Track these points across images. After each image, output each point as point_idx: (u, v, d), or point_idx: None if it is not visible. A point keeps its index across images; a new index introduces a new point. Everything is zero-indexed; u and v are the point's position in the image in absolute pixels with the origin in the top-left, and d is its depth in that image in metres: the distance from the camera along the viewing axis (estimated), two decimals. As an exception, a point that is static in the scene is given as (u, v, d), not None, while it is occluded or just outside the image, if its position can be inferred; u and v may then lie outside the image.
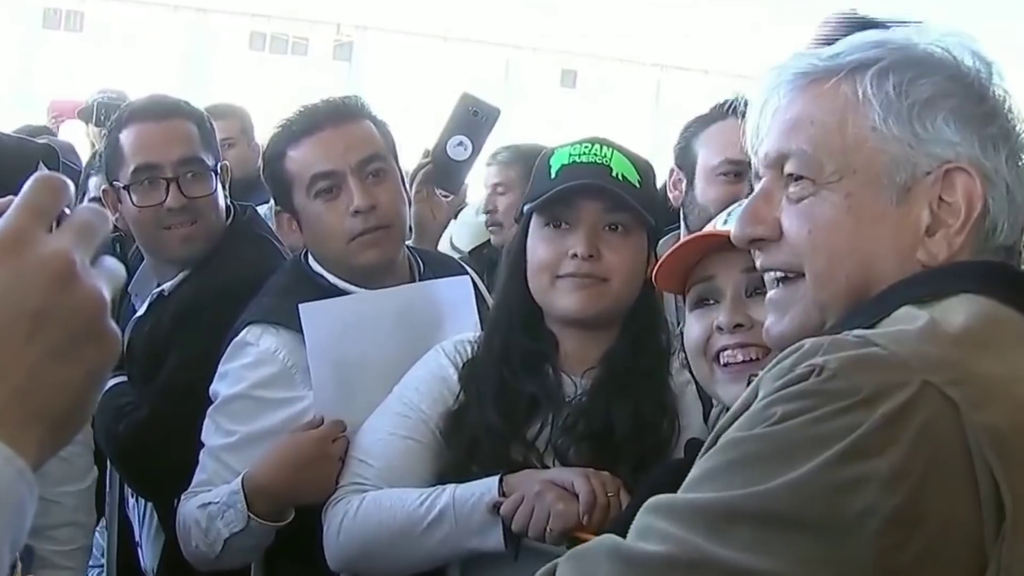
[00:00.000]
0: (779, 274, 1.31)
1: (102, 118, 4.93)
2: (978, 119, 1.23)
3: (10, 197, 0.84)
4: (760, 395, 1.10)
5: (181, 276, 2.71)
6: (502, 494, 1.95)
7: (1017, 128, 1.26)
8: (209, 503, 2.25)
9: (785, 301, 1.30)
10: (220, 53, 28.27)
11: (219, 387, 2.41)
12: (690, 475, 1.11)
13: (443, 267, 2.66)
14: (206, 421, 2.40)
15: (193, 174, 2.64)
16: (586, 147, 2.11)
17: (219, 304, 2.54)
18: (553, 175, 2.11)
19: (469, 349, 2.20)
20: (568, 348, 2.14)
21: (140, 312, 2.81)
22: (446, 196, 2.89)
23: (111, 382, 2.72)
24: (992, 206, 1.22)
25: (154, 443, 2.55)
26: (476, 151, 2.76)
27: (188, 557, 2.35)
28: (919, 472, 1.01)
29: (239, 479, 2.22)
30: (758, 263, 1.34)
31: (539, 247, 2.11)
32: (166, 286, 2.72)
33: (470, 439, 2.10)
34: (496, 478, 1.97)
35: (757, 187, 1.33)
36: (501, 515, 1.93)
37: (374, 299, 2.42)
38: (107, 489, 2.98)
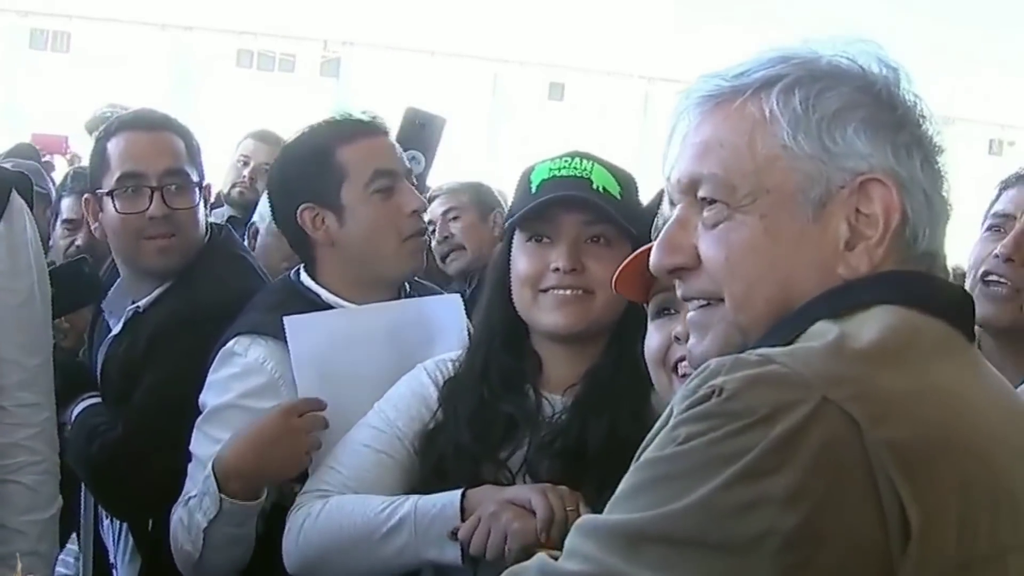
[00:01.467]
0: (700, 303, 1.29)
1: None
2: (889, 127, 1.21)
3: None
4: (672, 415, 1.09)
5: (157, 292, 2.68)
6: (463, 508, 1.93)
7: (929, 132, 1.24)
8: (190, 498, 2.25)
9: (705, 322, 1.28)
10: (207, 71, 28.34)
11: (206, 397, 2.40)
12: (615, 494, 1.11)
13: (427, 288, 2.66)
14: (194, 432, 2.38)
15: (177, 186, 2.63)
16: (566, 161, 2.11)
17: (195, 324, 2.52)
18: (534, 190, 2.09)
19: (451, 367, 2.18)
20: (551, 366, 2.12)
21: (115, 331, 2.77)
22: None
23: (84, 403, 2.69)
24: (911, 214, 1.20)
25: (128, 462, 2.52)
26: (429, 162, 2.79)
27: (179, 566, 2.32)
28: (819, 492, 1.00)
29: (210, 463, 2.21)
30: (679, 292, 1.31)
31: (521, 261, 2.09)
32: (141, 303, 2.70)
33: (441, 457, 2.09)
34: (458, 492, 1.95)
35: (672, 215, 1.30)
36: (459, 539, 1.90)
37: (362, 314, 2.41)
38: (81, 511, 2.94)
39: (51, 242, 3.70)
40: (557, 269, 2.03)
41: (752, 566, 1.00)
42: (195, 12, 27.92)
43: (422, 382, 2.18)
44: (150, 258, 2.63)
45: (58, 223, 3.68)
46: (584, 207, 2.05)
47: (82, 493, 2.91)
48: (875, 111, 1.21)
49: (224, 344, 2.38)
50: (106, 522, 2.91)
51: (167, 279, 2.66)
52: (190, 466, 2.34)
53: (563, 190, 2.06)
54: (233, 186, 4.63)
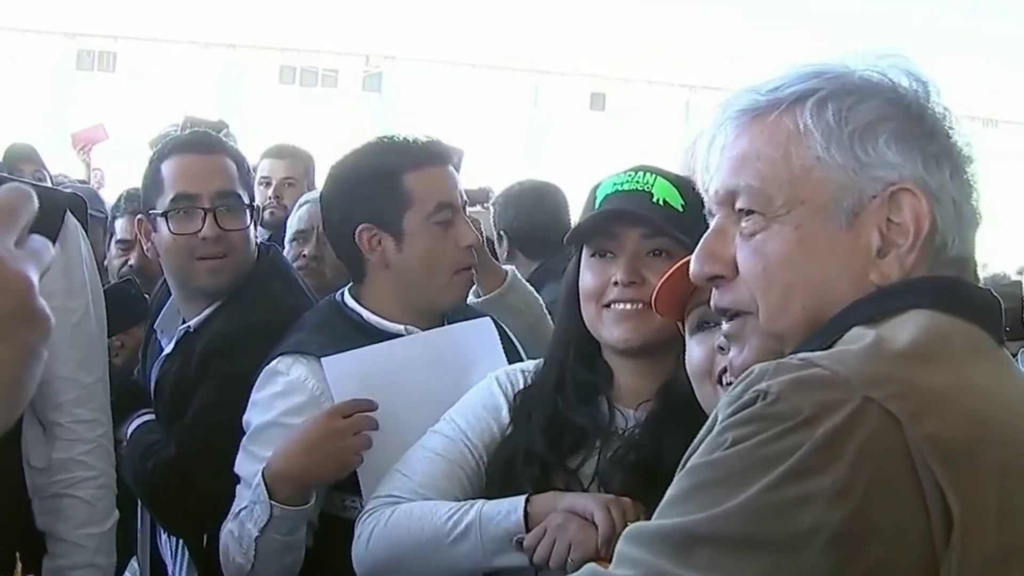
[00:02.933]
0: (732, 313, 1.34)
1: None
2: (919, 139, 1.25)
3: None
4: (718, 421, 1.13)
5: (208, 312, 2.73)
6: (527, 514, 1.98)
7: (958, 143, 1.27)
8: (240, 510, 2.30)
9: (740, 334, 1.33)
10: (251, 88, 28.51)
11: (250, 416, 2.45)
12: (663, 500, 1.15)
13: (464, 313, 2.69)
14: (239, 452, 2.43)
15: (229, 207, 2.71)
16: (629, 175, 2.15)
17: (247, 343, 2.57)
18: (597, 205, 2.15)
19: (522, 378, 2.23)
20: (623, 379, 2.17)
21: (167, 350, 2.83)
22: None
23: (139, 420, 2.74)
24: (940, 222, 1.24)
25: (182, 481, 2.57)
26: None
27: None
28: (863, 487, 1.04)
29: (260, 470, 2.27)
30: (712, 302, 1.36)
31: (586, 276, 2.15)
32: (192, 322, 2.75)
33: (511, 463, 2.14)
34: (522, 499, 2.00)
35: (711, 224, 1.35)
36: (524, 549, 1.94)
37: (399, 347, 2.46)
38: (138, 526, 2.99)
39: (106, 262, 3.77)
40: (617, 283, 2.08)
41: (803, 562, 1.03)
42: (238, 30, 28.11)
43: (493, 392, 2.23)
44: (202, 278, 2.69)
45: (112, 243, 3.74)
46: (643, 222, 2.08)
47: (139, 509, 2.96)
48: (905, 123, 1.25)
49: (268, 364, 2.42)
50: (163, 537, 2.96)
51: (218, 299, 2.71)
52: (238, 487, 2.38)
53: (623, 205, 2.10)
54: (262, 208, 4.65)
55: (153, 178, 2.77)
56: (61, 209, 2.34)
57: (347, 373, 2.38)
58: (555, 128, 29.67)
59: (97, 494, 2.43)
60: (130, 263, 3.65)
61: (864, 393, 1.07)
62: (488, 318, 2.63)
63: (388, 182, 2.48)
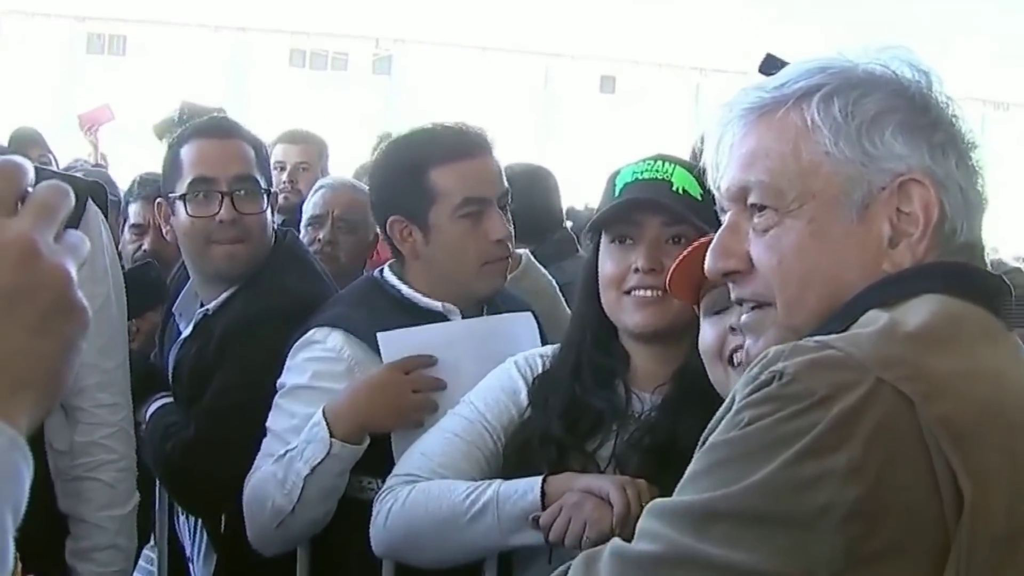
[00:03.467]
0: (752, 304, 1.36)
1: (184, 118, 5.02)
2: (924, 129, 1.27)
3: None
4: (735, 401, 1.16)
5: (225, 296, 2.76)
6: (544, 494, 2.01)
7: (962, 131, 1.30)
8: (286, 451, 2.35)
9: (757, 325, 1.35)
10: (261, 71, 28.49)
11: (285, 379, 2.51)
12: (683, 478, 1.18)
13: (504, 299, 2.73)
14: (272, 409, 2.48)
15: (246, 192, 2.75)
16: (649, 164, 2.18)
17: (265, 327, 2.61)
18: (617, 193, 2.18)
19: (540, 363, 2.26)
20: (640, 364, 2.20)
21: (185, 333, 2.85)
22: None
23: (158, 403, 2.77)
24: (949, 210, 1.27)
25: (202, 462, 2.60)
26: None
27: (258, 530, 2.38)
28: (877, 465, 1.06)
29: (319, 410, 2.32)
30: (732, 295, 1.39)
31: (606, 263, 2.18)
32: (210, 306, 2.78)
33: (527, 445, 2.18)
34: (538, 478, 2.04)
35: (724, 221, 1.38)
36: (540, 526, 1.97)
37: (450, 329, 2.50)
38: (156, 508, 3.02)
39: (119, 247, 3.79)
40: (638, 270, 2.12)
41: (817, 538, 1.06)
42: (248, 13, 28.08)
43: (512, 376, 2.27)
44: (219, 262, 2.72)
45: (126, 228, 3.77)
46: (663, 210, 2.11)
47: (156, 491, 2.99)
48: (910, 114, 1.27)
49: (303, 335, 2.48)
50: (182, 519, 3.00)
51: (235, 283, 2.73)
52: (265, 440, 2.42)
53: (643, 193, 2.13)
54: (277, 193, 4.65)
55: (172, 162, 2.81)
56: (82, 196, 2.36)
57: (400, 350, 2.43)
58: (565, 111, 29.62)
59: (118, 477, 2.47)
60: (144, 247, 3.67)
61: (877, 374, 1.10)
62: (530, 313, 2.66)
63: (414, 177, 2.51)
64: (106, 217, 2.51)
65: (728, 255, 1.36)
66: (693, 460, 1.19)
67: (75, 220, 2.27)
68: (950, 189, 1.27)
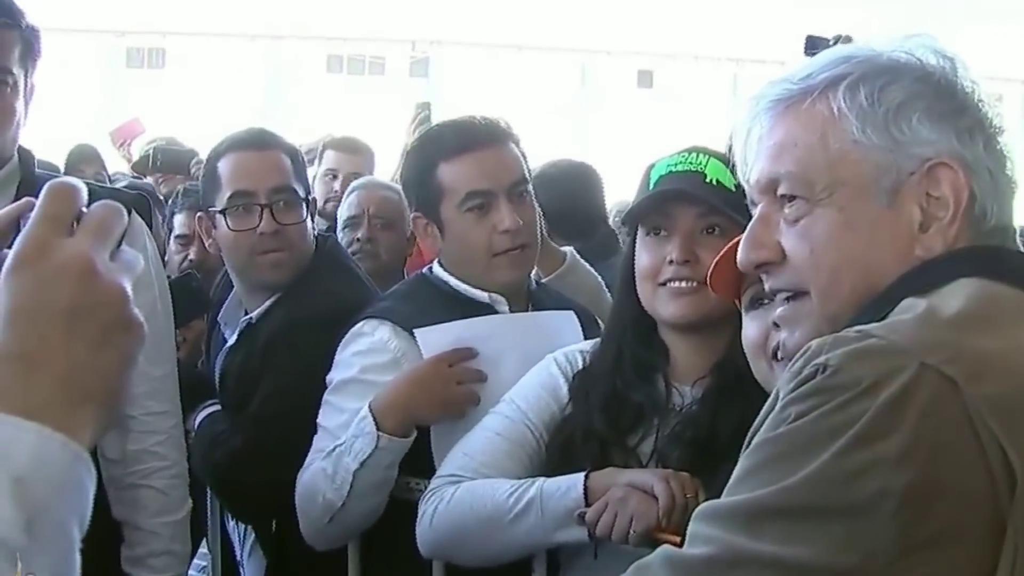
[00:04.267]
0: (787, 294, 1.37)
1: (158, 163, 5.14)
2: (951, 114, 1.28)
3: (24, 201, 0.94)
4: (780, 398, 1.16)
5: (268, 303, 2.79)
6: (587, 490, 2.01)
7: (989, 115, 1.30)
8: (336, 447, 2.37)
9: (794, 317, 1.37)
10: (299, 78, 28.66)
11: (333, 374, 2.53)
12: (731, 479, 1.18)
13: (549, 295, 2.74)
14: (322, 405, 2.51)
15: (285, 202, 2.77)
16: (683, 156, 2.19)
17: (308, 334, 2.64)
18: (651, 186, 2.19)
19: (580, 359, 2.27)
20: (679, 356, 2.20)
21: (231, 342, 2.89)
22: None
23: (206, 411, 2.81)
24: (979, 193, 1.27)
25: (249, 471, 2.63)
26: None
27: (311, 525, 2.43)
28: (927, 449, 1.06)
29: (366, 405, 2.35)
30: (766, 286, 1.40)
31: (642, 256, 2.18)
32: (254, 314, 2.81)
33: (570, 441, 2.18)
34: (581, 475, 2.04)
35: (755, 213, 1.38)
36: (586, 522, 1.97)
37: (488, 324, 2.51)
38: (208, 511, 3.06)
39: (166, 257, 3.84)
40: (672, 261, 2.12)
41: (872, 526, 1.06)
42: (284, 21, 28.25)
43: (552, 373, 2.28)
44: (263, 272, 2.75)
45: (171, 239, 3.82)
46: (696, 201, 2.11)
47: (208, 495, 3.02)
48: (936, 100, 1.28)
49: (352, 327, 2.52)
50: (231, 522, 3.03)
51: (279, 291, 2.76)
52: (316, 436, 2.45)
53: (677, 184, 2.14)
54: (327, 200, 4.67)
55: (211, 176, 2.84)
56: (126, 209, 2.39)
57: (438, 344, 2.45)
58: (603, 107, 29.59)
59: (171, 483, 2.49)
60: (190, 257, 3.71)
61: (921, 359, 1.10)
62: (571, 312, 2.66)
63: (425, 175, 2.56)
64: (151, 228, 2.54)
65: (760, 246, 1.37)
66: (740, 459, 1.19)
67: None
68: (979, 172, 1.27)
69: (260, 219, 2.74)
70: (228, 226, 2.76)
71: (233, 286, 2.97)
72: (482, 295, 2.53)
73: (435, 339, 2.46)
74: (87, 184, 0.97)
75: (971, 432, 1.07)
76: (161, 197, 4.62)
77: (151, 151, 5.23)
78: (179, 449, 2.53)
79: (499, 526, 2.09)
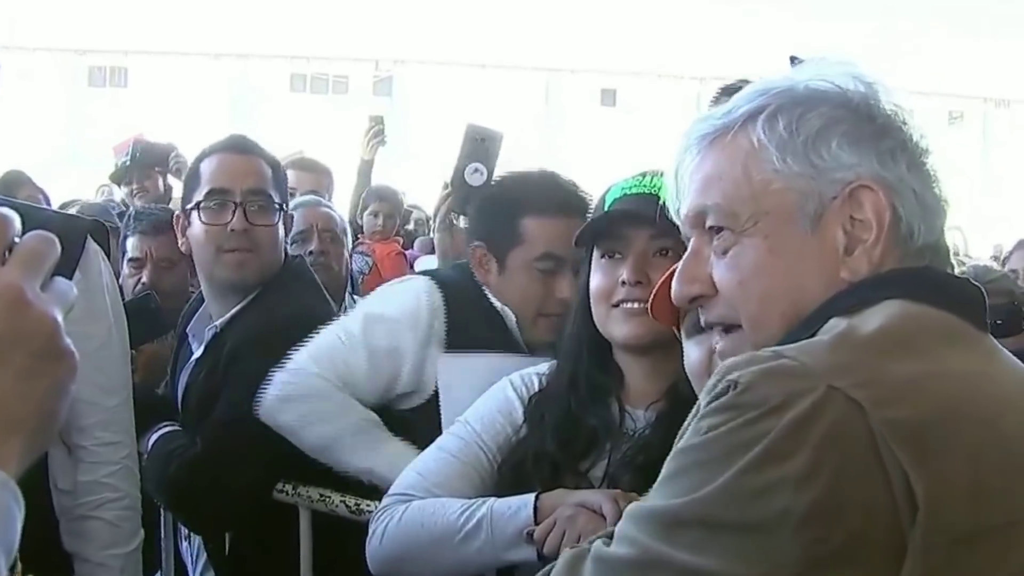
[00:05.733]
0: (722, 327, 1.38)
1: (137, 155, 5.12)
2: (871, 137, 1.28)
3: None
4: (699, 410, 1.18)
5: (234, 311, 2.78)
6: (537, 510, 2.01)
7: (913, 136, 1.31)
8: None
9: (732, 350, 1.35)
10: (263, 97, 28.64)
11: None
12: (656, 481, 1.21)
13: None
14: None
15: (259, 206, 2.80)
16: (637, 179, 2.20)
17: (272, 341, 2.63)
18: (606, 208, 2.19)
19: (537, 382, 2.27)
20: (633, 380, 2.20)
21: (197, 354, 2.88)
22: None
23: (160, 432, 2.78)
24: (903, 213, 1.27)
25: (208, 477, 2.59)
26: (490, 174, 2.92)
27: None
28: (830, 471, 1.07)
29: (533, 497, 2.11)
30: (702, 319, 1.40)
31: (596, 277, 2.18)
32: (219, 322, 2.81)
33: (522, 464, 2.17)
34: (532, 496, 2.03)
35: (688, 247, 1.39)
36: (534, 540, 1.97)
37: (506, 362, 2.49)
38: (161, 538, 3.02)
39: (120, 279, 3.80)
40: (624, 282, 2.11)
41: (776, 543, 1.08)
42: (248, 41, 28.23)
43: (508, 397, 2.26)
44: (227, 271, 2.77)
45: (124, 262, 3.78)
46: (645, 222, 2.12)
47: (161, 524, 2.99)
48: (855, 124, 1.29)
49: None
50: (184, 544, 3.00)
51: (244, 295, 2.77)
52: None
53: (630, 206, 2.14)
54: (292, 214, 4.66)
55: (193, 175, 2.89)
56: (82, 235, 2.37)
57: (454, 374, 2.49)
58: (567, 125, 29.72)
59: (122, 515, 2.46)
60: (143, 280, 3.67)
61: (829, 382, 1.10)
62: None
63: (510, 216, 2.59)
64: (108, 255, 2.51)
65: (692, 280, 1.38)
66: (665, 463, 1.21)
67: (75, 258, 2.29)
68: (902, 193, 1.27)
69: (232, 216, 2.76)
70: (201, 219, 2.79)
71: (203, 301, 2.97)
72: (509, 314, 2.58)
73: (452, 367, 2.51)
74: (29, 208, 0.96)
75: (875, 456, 1.08)
76: (137, 208, 4.57)
77: (129, 149, 5.19)
78: (132, 481, 2.50)
79: (449, 544, 2.08)
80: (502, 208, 2.60)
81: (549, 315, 2.54)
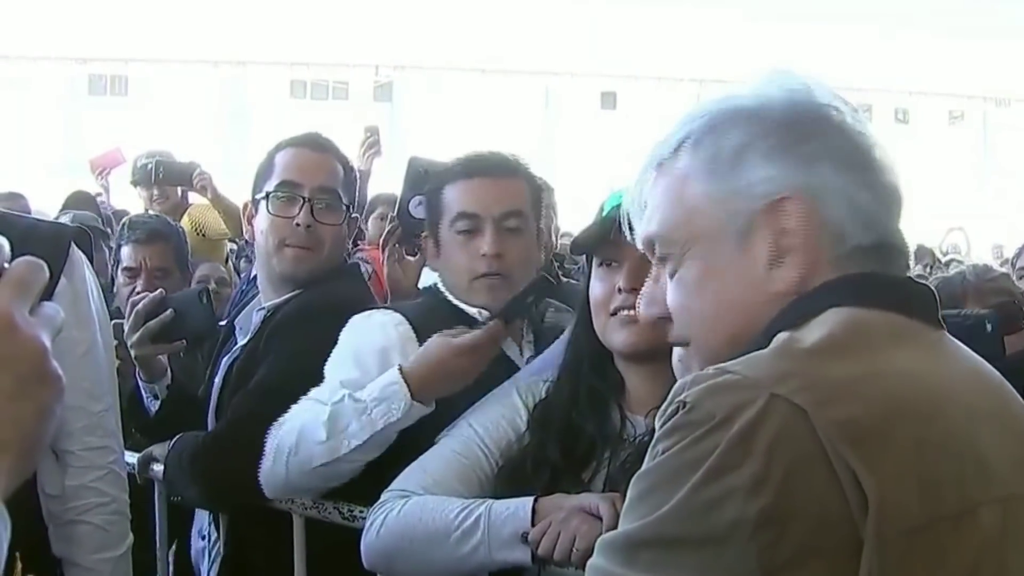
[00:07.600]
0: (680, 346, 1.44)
1: (160, 175, 5.10)
2: (791, 145, 1.30)
3: None
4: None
5: (287, 296, 2.81)
6: (535, 512, 2.03)
7: (839, 139, 1.32)
8: (344, 398, 2.35)
9: (685, 364, 1.42)
10: (262, 104, 28.65)
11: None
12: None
13: (552, 328, 2.72)
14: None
15: (327, 204, 2.86)
16: None
17: (314, 319, 2.69)
18: (603, 215, 2.21)
19: (543, 389, 2.29)
20: (634, 387, 2.22)
21: (242, 341, 2.90)
22: (413, 256, 3.24)
23: (180, 436, 2.79)
24: (831, 217, 1.29)
25: (237, 447, 2.55)
26: None
27: (286, 468, 2.41)
28: (778, 476, 1.10)
29: (393, 372, 2.34)
30: (669, 338, 1.45)
31: (595, 286, 2.21)
32: (269, 304, 2.83)
33: (524, 471, 2.18)
34: (530, 498, 2.06)
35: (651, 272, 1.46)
36: (529, 542, 1.97)
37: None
38: (156, 545, 3.02)
39: (114, 289, 3.80)
40: (621, 290, 2.14)
41: (732, 553, 1.11)
42: (247, 47, 28.26)
43: (514, 403, 2.30)
44: (285, 263, 2.84)
45: (119, 271, 3.78)
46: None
47: (156, 527, 2.99)
48: (775, 136, 1.31)
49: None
50: (201, 543, 2.97)
51: (296, 287, 2.84)
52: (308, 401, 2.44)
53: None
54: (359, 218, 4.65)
55: (266, 165, 2.93)
56: (67, 242, 2.39)
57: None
58: (567, 129, 29.73)
59: (110, 520, 2.47)
60: (137, 290, 3.67)
61: (771, 390, 1.13)
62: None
63: (436, 195, 2.65)
64: (92, 262, 2.52)
65: (652, 303, 1.44)
66: (628, 490, 1.23)
67: (59, 265, 2.30)
68: (828, 197, 1.29)
69: (299, 211, 2.80)
70: (268, 210, 2.84)
71: (252, 298, 3.06)
72: (472, 310, 2.57)
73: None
74: (11, 217, 0.97)
75: (822, 457, 1.11)
76: (156, 213, 4.56)
77: (152, 164, 5.17)
78: (119, 485, 2.51)
79: (445, 542, 2.09)
80: (432, 190, 2.65)
81: (482, 276, 2.54)
